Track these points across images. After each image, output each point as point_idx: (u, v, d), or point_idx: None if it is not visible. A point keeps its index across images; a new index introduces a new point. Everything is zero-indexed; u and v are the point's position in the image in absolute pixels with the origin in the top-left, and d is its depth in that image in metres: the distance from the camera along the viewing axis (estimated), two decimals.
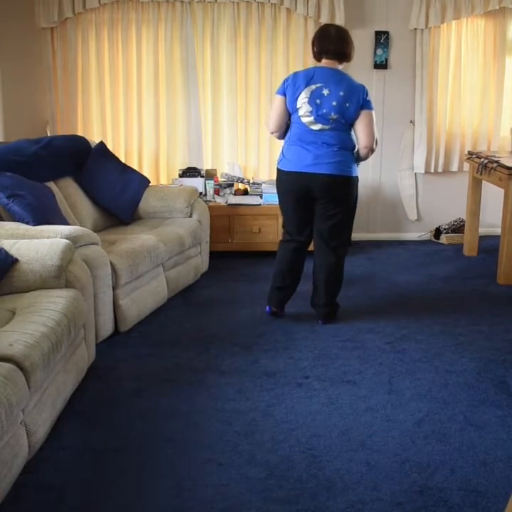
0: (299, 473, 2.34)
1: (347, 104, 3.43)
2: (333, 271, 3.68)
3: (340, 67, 3.56)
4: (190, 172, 5.35)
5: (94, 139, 5.05)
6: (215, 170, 5.46)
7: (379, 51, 5.43)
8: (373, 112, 3.52)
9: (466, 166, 5.39)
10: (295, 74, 3.55)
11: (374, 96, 5.49)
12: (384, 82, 5.51)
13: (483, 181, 5.05)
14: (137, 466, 2.39)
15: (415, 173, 5.70)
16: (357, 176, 3.63)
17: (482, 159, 4.77)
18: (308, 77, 3.47)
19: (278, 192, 3.71)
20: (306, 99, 3.44)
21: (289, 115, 3.55)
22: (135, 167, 5.25)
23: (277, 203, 3.82)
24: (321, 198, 3.54)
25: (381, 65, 5.46)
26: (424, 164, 5.59)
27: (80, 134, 5.21)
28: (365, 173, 5.64)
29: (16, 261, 2.92)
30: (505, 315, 3.95)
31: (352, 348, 3.45)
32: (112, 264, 3.47)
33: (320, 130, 3.46)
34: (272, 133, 3.68)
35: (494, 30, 5.42)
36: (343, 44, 3.53)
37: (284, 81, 3.56)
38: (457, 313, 3.98)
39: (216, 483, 2.28)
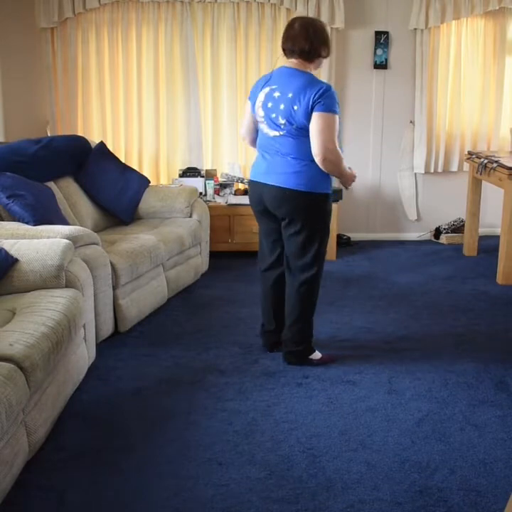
0: (299, 473, 2.34)
1: (295, 107, 2.91)
2: (293, 302, 3.17)
3: (310, 66, 3.03)
4: (190, 172, 5.35)
5: (94, 139, 5.05)
6: (215, 170, 5.46)
7: (379, 51, 5.43)
8: (334, 116, 2.89)
9: (466, 166, 5.40)
10: (262, 77, 3.22)
11: (374, 96, 5.51)
12: (384, 82, 5.51)
13: (483, 181, 5.05)
14: (137, 466, 2.39)
15: (415, 173, 5.71)
16: (323, 193, 3.03)
17: (482, 159, 4.77)
18: (266, 79, 3.09)
19: None
20: (261, 103, 3.05)
21: (256, 121, 3.18)
22: (135, 167, 5.25)
23: None
24: (274, 212, 3.11)
25: (381, 65, 5.46)
26: (424, 164, 5.60)
27: (80, 134, 5.21)
28: (365, 173, 5.66)
29: (16, 261, 2.93)
30: (505, 315, 3.96)
31: (352, 348, 3.45)
32: (112, 264, 3.47)
33: (274, 137, 3.03)
34: (242, 139, 3.44)
35: (494, 30, 5.42)
36: (305, 41, 2.96)
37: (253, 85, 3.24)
38: (457, 313, 3.99)
39: (216, 483, 2.28)
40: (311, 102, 2.88)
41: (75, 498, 2.20)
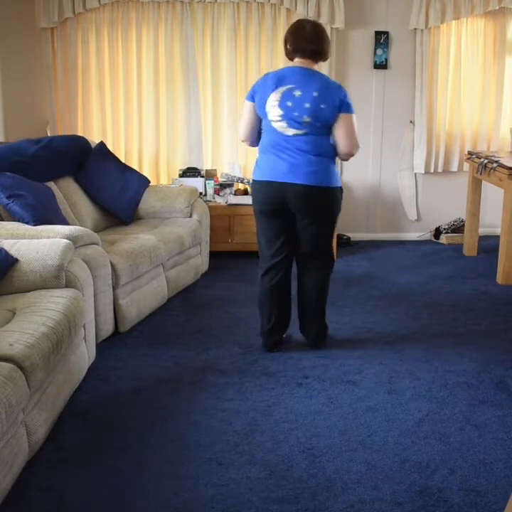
0: (299, 473, 2.34)
1: (322, 106, 3.05)
2: (320, 293, 3.38)
3: (315, 66, 3.19)
4: (190, 172, 5.35)
5: (94, 139, 5.05)
6: (215, 170, 5.47)
7: (379, 51, 5.43)
8: (354, 116, 3.16)
9: (466, 166, 5.40)
10: (265, 76, 3.22)
11: (374, 96, 5.52)
12: (384, 82, 5.51)
13: (483, 181, 5.05)
14: (137, 466, 2.39)
15: (415, 173, 5.71)
16: (340, 187, 3.23)
17: (482, 159, 4.77)
18: (278, 79, 3.12)
19: (253, 206, 3.33)
20: (276, 102, 3.09)
21: (259, 121, 3.23)
22: (135, 167, 5.26)
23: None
24: (297, 211, 3.18)
25: (381, 65, 5.46)
26: (424, 164, 5.60)
27: (80, 134, 5.21)
28: (365, 173, 5.66)
29: (16, 261, 2.93)
30: (505, 315, 3.96)
31: (352, 348, 3.45)
32: (112, 264, 3.47)
33: (293, 135, 3.10)
34: (242, 141, 3.38)
35: (494, 30, 5.42)
36: (319, 42, 3.14)
37: (253, 85, 3.24)
38: (457, 313, 3.99)
39: (216, 483, 2.28)
40: (339, 103, 3.08)
41: (75, 498, 2.20)
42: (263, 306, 3.42)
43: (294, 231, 3.29)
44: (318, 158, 3.12)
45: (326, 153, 3.16)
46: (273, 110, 3.11)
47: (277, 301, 3.38)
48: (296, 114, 3.07)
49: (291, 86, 3.09)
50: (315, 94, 3.06)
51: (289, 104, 3.08)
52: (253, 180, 3.28)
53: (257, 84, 3.22)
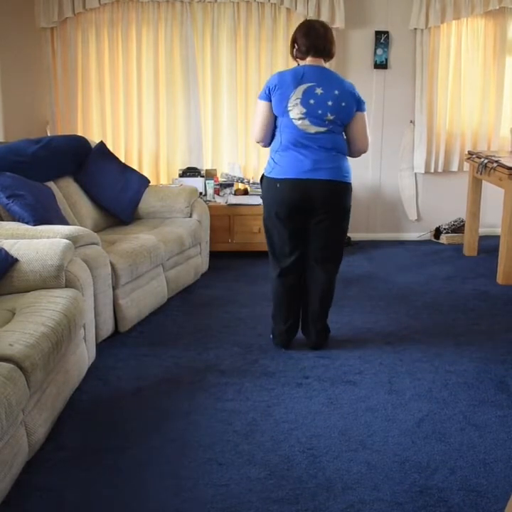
0: (299, 473, 2.34)
1: (343, 104, 3.13)
2: (327, 295, 3.38)
3: (327, 66, 3.25)
4: (190, 172, 5.35)
5: (94, 139, 5.05)
6: (215, 170, 5.46)
7: (379, 51, 5.43)
8: (366, 114, 3.27)
9: (466, 166, 5.39)
10: (280, 74, 3.19)
11: (374, 96, 5.52)
12: (384, 82, 5.51)
13: (483, 181, 5.05)
14: (137, 466, 2.39)
15: (415, 173, 5.71)
16: (351, 183, 3.29)
17: (482, 159, 4.77)
18: (297, 76, 3.12)
19: (267, 207, 3.27)
20: (299, 100, 3.10)
21: (275, 121, 3.21)
22: (135, 167, 5.25)
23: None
24: (319, 207, 3.17)
25: (381, 65, 5.46)
26: (424, 164, 5.60)
27: (79, 134, 5.21)
28: (365, 173, 5.66)
29: (16, 261, 2.92)
30: (505, 315, 3.95)
31: (352, 348, 3.45)
32: (112, 264, 3.47)
33: (316, 133, 3.13)
34: (257, 142, 3.32)
35: (494, 30, 5.42)
36: (330, 41, 3.22)
37: (268, 83, 3.18)
38: (457, 313, 3.99)
39: (216, 483, 2.28)
40: (357, 101, 3.19)
41: (74, 498, 2.20)
42: (281, 306, 3.40)
43: (307, 232, 3.27)
44: (337, 155, 3.19)
45: (343, 150, 3.24)
46: (295, 108, 3.11)
47: (295, 301, 3.41)
48: (320, 112, 3.12)
49: (311, 84, 3.12)
50: (336, 92, 3.13)
51: (312, 101, 3.11)
52: (271, 178, 3.21)
53: (271, 83, 3.16)
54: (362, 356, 3.35)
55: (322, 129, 3.14)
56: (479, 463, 2.41)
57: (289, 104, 3.12)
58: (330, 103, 3.12)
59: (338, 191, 3.20)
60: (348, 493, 2.22)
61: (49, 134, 5.28)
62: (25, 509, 2.15)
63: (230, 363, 3.27)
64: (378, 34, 5.40)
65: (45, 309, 2.65)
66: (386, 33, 5.39)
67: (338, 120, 3.15)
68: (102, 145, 4.64)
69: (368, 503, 2.17)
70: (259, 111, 3.21)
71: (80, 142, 4.49)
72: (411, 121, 5.58)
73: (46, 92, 5.26)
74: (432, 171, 5.66)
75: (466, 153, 5.27)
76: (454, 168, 5.67)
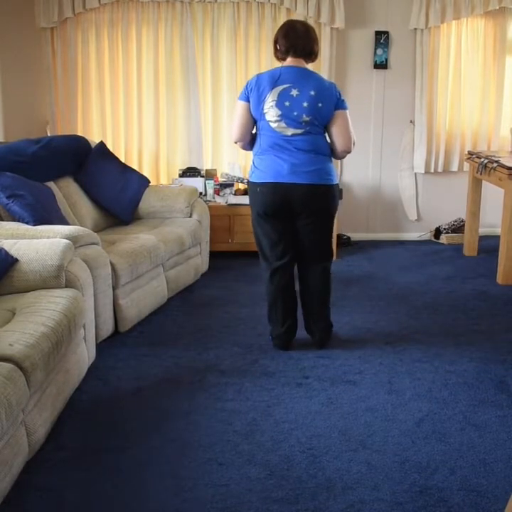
0: (299, 473, 2.34)
1: (320, 105, 3.09)
2: (324, 291, 3.39)
3: (308, 67, 3.21)
4: (190, 172, 5.35)
5: (94, 139, 5.05)
6: (215, 170, 5.46)
7: (379, 51, 5.43)
8: (348, 112, 3.18)
9: (466, 166, 5.39)
10: (258, 76, 3.17)
11: (374, 96, 5.52)
12: (384, 82, 5.51)
13: (483, 181, 5.05)
14: (137, 466, 2.39)
15: (415, 173, 5.71)
16: (337, 183, 3.26)
17: (482, 159, 4.77)
18: (273, 78, 3.10)
19: (252, 209, 3.28)
20: (274, 102, 3.08)
21: (254, 122, 3.19)
22: (135, 167, 5.25)
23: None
24: (301, 211, 3.17)
25: (381, 65, 5.46)
26: (424, 164, 5.60)
27: (79, 134, 5.21)
28: (365, 173, 5.66)
29: (16, 261, 2.92)
30: (505, 315, 3.95)
31: (352, 348, 3.45)
32: (112, 264, 3.47)
33: (293, 135, 3.10)
34: (235, 142, 3.30)
35: (494, 30, 5.42)
36: (311, 41, 3.17)
37: (247, 85, 3.17)
38: (457, 313, 3.98)
39: (216, 483, 2.28)
40: (335, 100, 3.13)
41: (74, 498, 2.20)
42: (276, 306, 3.39)
43: (295, 231, 3.27)
44: (317, 156, 3.15)
45: (324, 152, 3.19)
46: (271, 111, 3.10)
47: (290, 302, 3.39)
48: (295, 113, 3.09)
49: (287, 86, 3.10)
50: (312, 93, 3.09)
51: (287, 103, 3.09)
52: (252, 182, 3.22)
53: (250, 84, 3.17)
54: (362, 356, 3.35)
55: (299, 131, 3.11)
56: (479, 463, 2.41)
57: (265, 106, 3.12)
58: (305, 104, 3.08)
59: (320, 194, 3.16)
60: (348, 493, 2.22)
61: (49, 134, 5.28)
62: (25, 509, 2.15)
63: (230, 363, 3.27)
64: (378, 34, 5.40)
65: (45, 309, 2.65)
66: (386, 33, 5.40)
67: (315, 121, 3.12)
68: (102, 145, 4.64)
69: (368, 503, 2.17)
70: (238, 112, 3.21)
71: (80, 142, 4.49)
72: (411, 121, 5.58)
73: (46, 92, 5.26)
74: (432, 171, 5.66)
75: (466, 153, 5.27)
76: (454, 168, 5.67)
